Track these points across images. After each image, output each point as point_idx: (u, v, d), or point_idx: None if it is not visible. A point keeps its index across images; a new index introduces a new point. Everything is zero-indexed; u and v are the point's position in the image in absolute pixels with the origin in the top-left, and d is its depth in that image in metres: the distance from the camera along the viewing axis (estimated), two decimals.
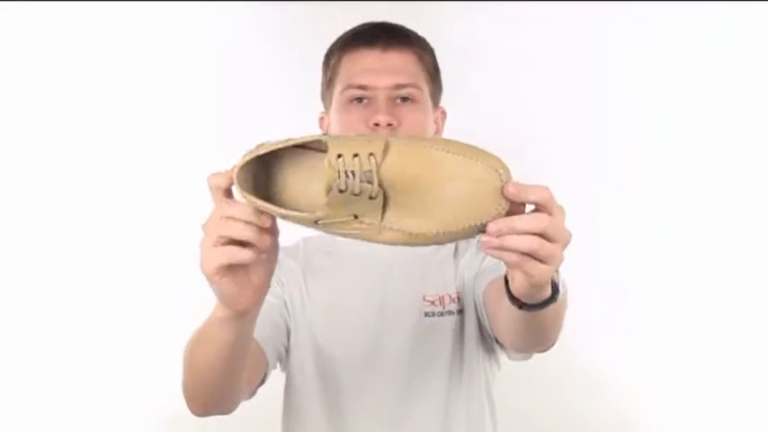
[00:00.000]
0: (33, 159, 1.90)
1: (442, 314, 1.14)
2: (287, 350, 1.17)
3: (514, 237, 0.67)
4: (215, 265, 0.73)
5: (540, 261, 0.68)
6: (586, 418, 1.85)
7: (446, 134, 1.26)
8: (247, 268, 0.76)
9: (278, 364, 1.17)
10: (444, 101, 1.25)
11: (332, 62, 1.18)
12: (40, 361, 1.86)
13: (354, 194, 0.68)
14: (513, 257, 0.68)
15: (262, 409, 1.16)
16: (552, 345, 0.94)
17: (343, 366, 1.14)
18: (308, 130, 1.41)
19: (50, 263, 1.88)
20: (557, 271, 0.75)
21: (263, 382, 1.09)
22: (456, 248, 1.19)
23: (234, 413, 1.00)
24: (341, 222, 0.71)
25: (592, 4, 1.90)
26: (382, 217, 0.70)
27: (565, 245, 0.69)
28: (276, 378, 1.18)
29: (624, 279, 1.90)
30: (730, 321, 1.87)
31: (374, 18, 1.20)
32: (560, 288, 0.77)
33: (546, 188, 0.68)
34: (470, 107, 1.82)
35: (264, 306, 0.87)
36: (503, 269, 1.05)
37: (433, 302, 1.14)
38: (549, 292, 0.75)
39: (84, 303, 1.88)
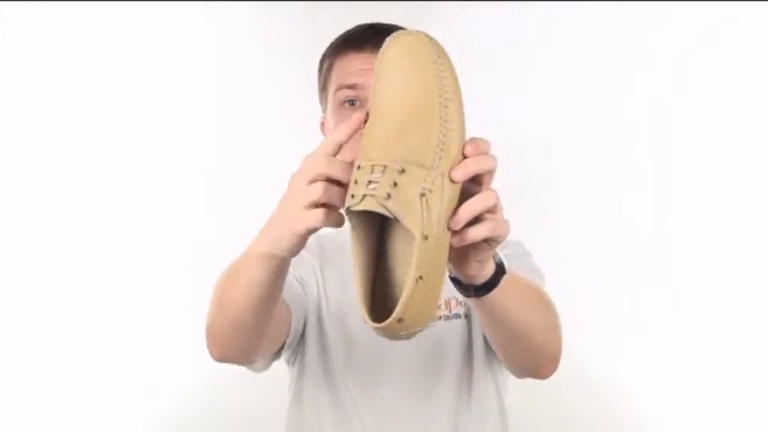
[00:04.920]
0: (32, 160, 1.91)
1: (449, 318, 1.14)
2: (301, 338, 1.17)
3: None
4: (313, 199, 0.76)
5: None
6: (586, 421, 1.84)
7: None
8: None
9: (290, 358, 1.18)
10: None
11: (324, 67, 1.20)
12: (40, 362, 1.87)
13: None
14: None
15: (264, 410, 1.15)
16: (546, 367, 0.97)
17: (349, 365, 1.14)
18: (307, 131, 1.42)
19: (50, 264, 1.89)
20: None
21: (278, 353, 1.11)
22: None
23: (234, 419, 0.98)
24: None
25: (593, 4, 1.90)
26: None
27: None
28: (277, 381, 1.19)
29: (625, 281, 1.90)
30: (731, 324, 1.86)
31: (378, 18, 1.21)
32: (503, 266, 0.82)
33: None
34: (471, 107, 1.83)
35: (287, 291, 0.89)
36: None
37: (439, 306, 1.13)
38: (492, 268, 0.81)
39: (84, 304, 1.88)
